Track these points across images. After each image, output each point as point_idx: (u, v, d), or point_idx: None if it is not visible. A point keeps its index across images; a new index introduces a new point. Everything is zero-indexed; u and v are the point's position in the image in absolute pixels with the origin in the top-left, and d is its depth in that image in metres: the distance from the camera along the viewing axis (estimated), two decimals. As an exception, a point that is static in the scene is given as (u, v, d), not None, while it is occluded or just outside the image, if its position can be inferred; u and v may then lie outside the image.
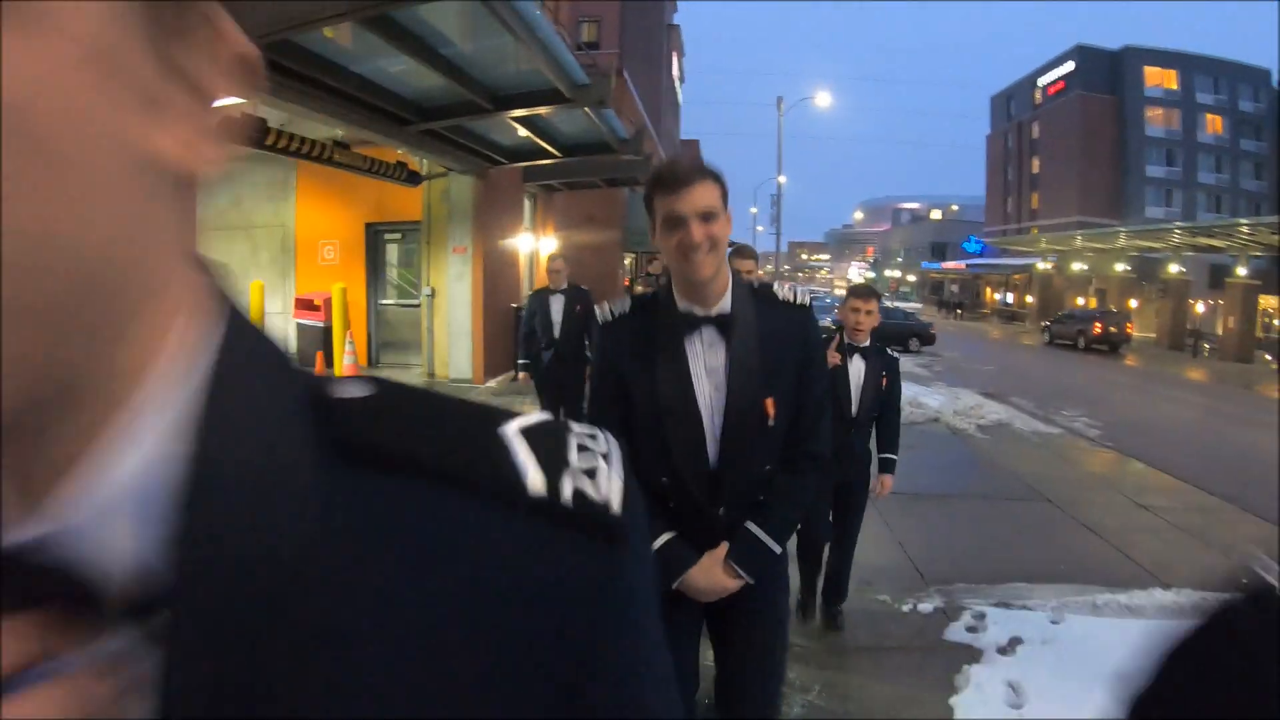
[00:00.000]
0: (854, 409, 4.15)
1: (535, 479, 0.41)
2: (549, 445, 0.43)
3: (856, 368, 4.17)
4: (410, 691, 0.36)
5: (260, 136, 7.66)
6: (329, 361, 10.90)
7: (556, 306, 6.74)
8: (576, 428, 0.47)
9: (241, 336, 0.39)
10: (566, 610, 0.40)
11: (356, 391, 0.43)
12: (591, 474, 0.43)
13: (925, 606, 4.74)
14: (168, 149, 0.34)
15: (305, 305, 12.62)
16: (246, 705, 0.33)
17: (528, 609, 0.39)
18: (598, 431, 0.47)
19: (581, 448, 0.44)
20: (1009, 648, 4.18)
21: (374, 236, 13.64)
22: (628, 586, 0.43)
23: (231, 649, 0.33)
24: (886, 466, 4.37)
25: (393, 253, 13.85)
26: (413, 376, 12.31)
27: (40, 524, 0.32)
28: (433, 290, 12.14)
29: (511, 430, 0.43)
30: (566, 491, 0.42)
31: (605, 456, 0.45)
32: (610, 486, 0.43)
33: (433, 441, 0.41)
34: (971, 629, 4.41)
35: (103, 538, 0.33)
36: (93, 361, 0.33)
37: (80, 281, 0.30)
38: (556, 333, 6.72)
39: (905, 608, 4.75)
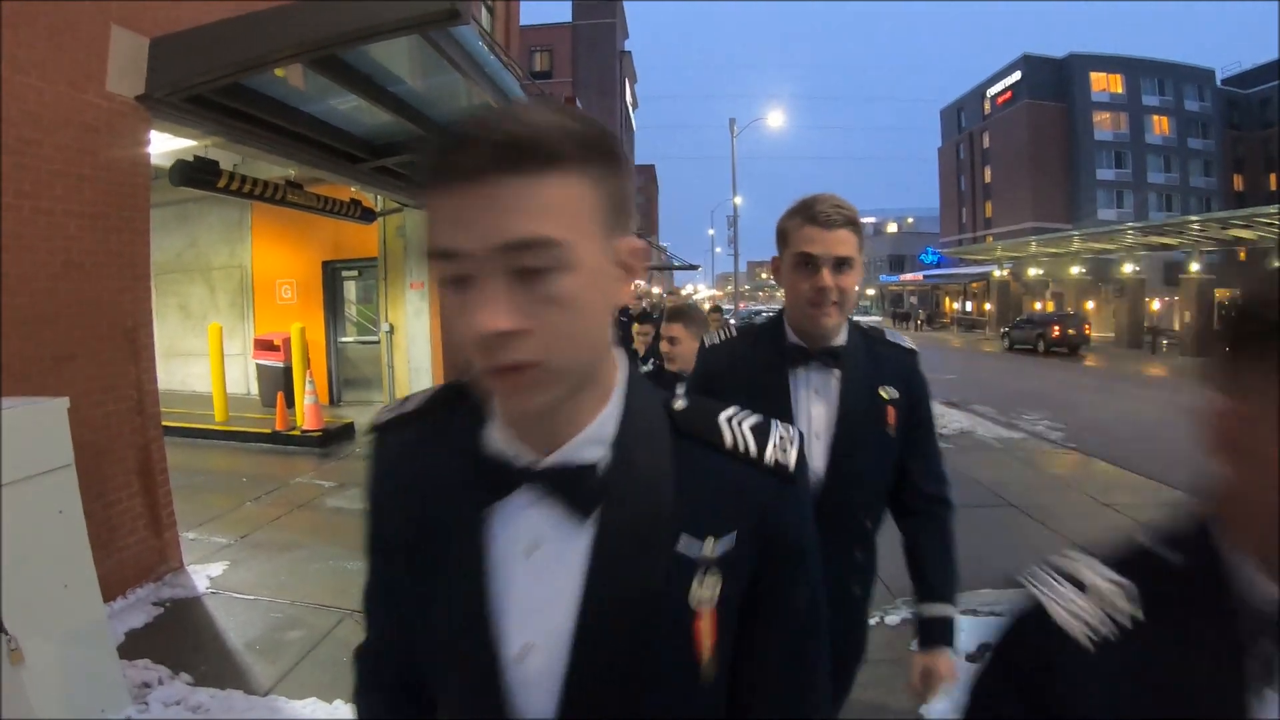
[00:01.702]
0: None
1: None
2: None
3: None
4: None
5: (212, 179, 7.60)
6: (290, 401, 10.78)
7: None
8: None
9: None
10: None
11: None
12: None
13: (893, 619, 4.78)
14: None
15: (265, 346, 12.49)
16: None
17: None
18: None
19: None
20: (978, 654, 4.19)
21: (331, 274, 13.54)
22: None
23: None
24: None
25: (351, 290, 13.75)
26: (374, 413, 12.20)
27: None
28: (391, 326, 12.07)
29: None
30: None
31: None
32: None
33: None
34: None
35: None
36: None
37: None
38: None
39: (873, 620, 4.77)
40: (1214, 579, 0.75)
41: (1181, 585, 0.77)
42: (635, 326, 6.38)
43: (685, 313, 4.41)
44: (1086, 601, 0.78)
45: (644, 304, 25.64)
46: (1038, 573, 0.85)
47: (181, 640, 4.65)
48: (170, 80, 5.44)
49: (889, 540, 2.12)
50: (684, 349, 4.15)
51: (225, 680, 4.14)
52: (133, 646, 4.45)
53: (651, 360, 5.26)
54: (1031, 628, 0.81)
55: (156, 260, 6.15)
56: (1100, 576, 0.80)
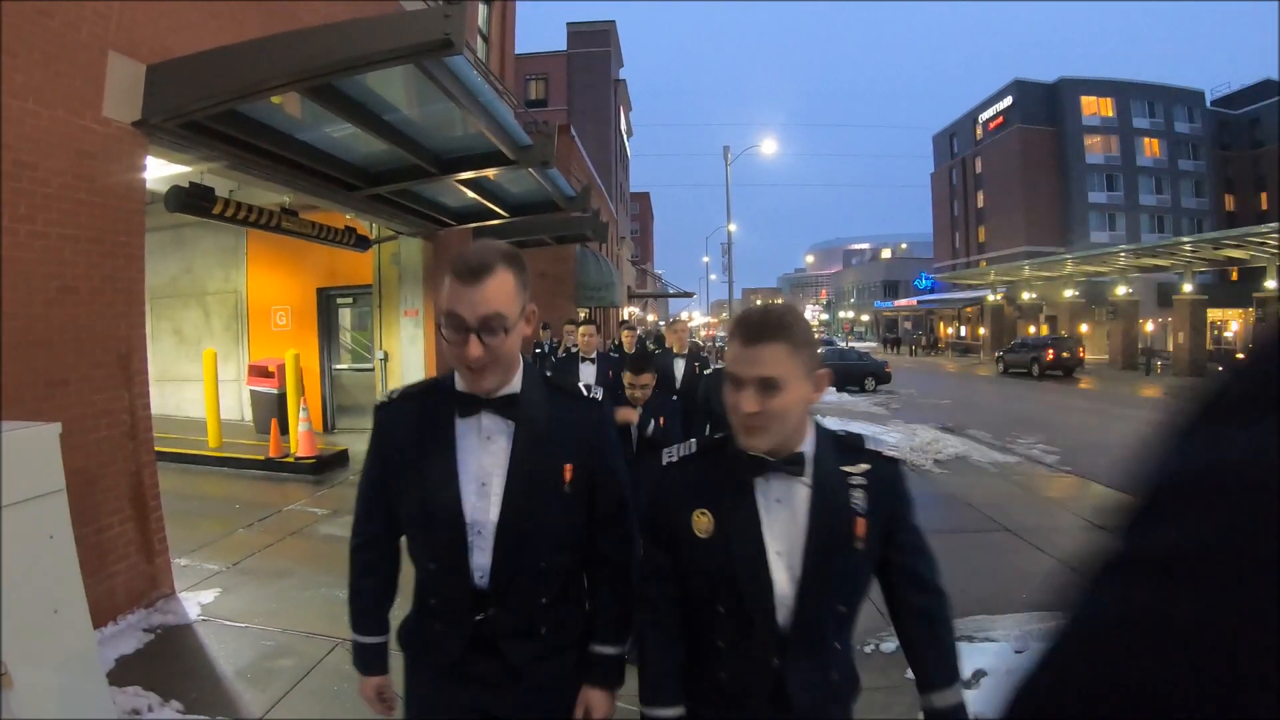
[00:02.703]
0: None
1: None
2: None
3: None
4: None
5: (207, 206, 7.62)
6: (284, 428, 10.76)
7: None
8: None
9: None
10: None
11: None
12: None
13: (888, 646, 4.75)
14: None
15: (259, 372, 12.48)
16: None
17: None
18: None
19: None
20: (973, 680, 4.19)
21: (326, 301, 13.58)
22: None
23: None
24: None
25: (345, 317, 13.78)
26: (367, 441, 12.17)
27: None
28: (386, 354, 12.08)
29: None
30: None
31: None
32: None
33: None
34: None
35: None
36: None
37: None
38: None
39: (868, 649, 4.75)
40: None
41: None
42: (628, 377, 5.20)
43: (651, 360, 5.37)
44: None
45: (638, 332, 25.17)
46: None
47: (172, 667, 4.61)
48: (166, 106, 5.48)
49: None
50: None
51: (216, 708, 4.11)
52: (123, 673, 4.42)
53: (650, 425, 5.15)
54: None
55: (152, 285, 6.17)
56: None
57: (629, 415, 5.10)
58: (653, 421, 5.12)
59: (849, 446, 1.90)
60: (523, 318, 1.88)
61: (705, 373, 7.30)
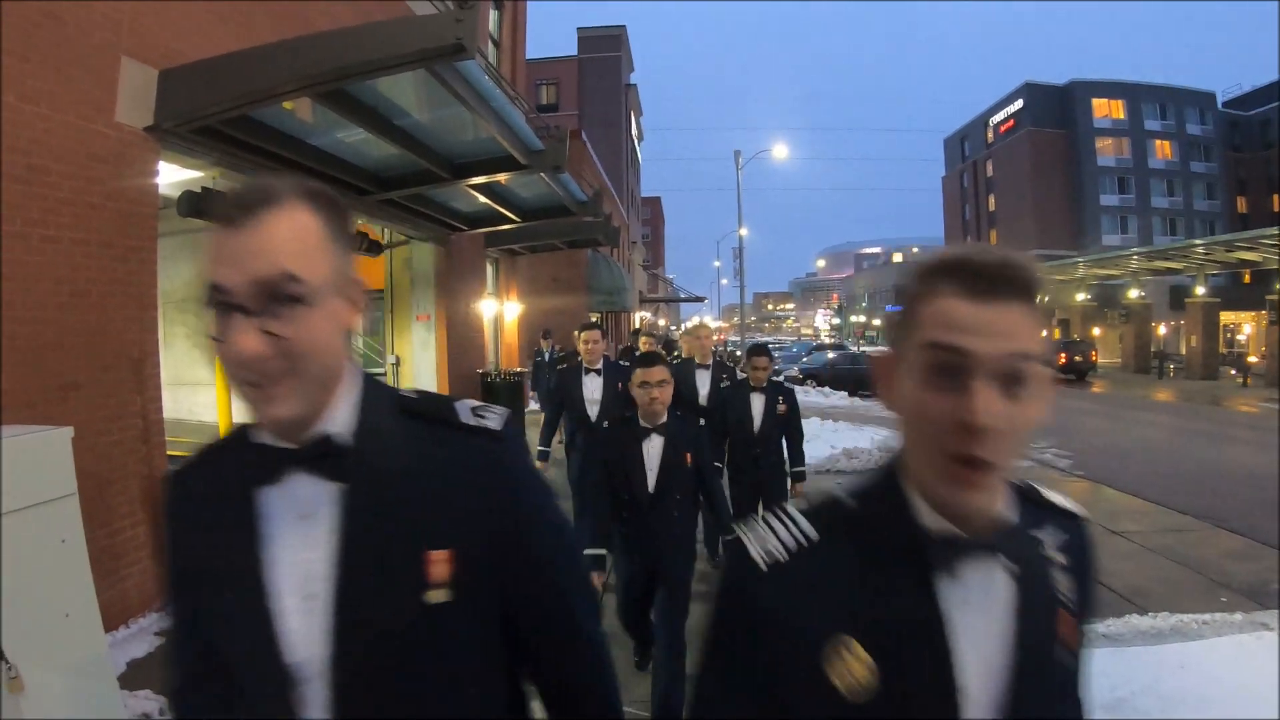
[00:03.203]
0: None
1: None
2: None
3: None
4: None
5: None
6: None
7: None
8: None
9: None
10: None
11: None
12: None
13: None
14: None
15: (271, 378, 12.50)
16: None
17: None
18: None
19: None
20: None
21: (339, 306, 13.55)
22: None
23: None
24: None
25: (357, 321, 13.76)
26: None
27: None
28: (398, 358, 12.11)
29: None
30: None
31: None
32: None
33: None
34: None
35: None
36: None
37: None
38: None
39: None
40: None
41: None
42: (637, 375, 3.99)
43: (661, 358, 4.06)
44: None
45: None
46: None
47: (184, 671, 4.59)
48: (179, 111, 5.51)
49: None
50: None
51: (227, 711, 4.09)
52: (134, 676, 4.42)
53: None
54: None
55: (166, 289, 6.18)
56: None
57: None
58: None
59: (1027, 496, 1.09)
60: (340, 292, 1.07)
61: (723, 385, 6.47)
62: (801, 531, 1.01)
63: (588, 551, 3.82)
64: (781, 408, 5.90)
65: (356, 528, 1.04)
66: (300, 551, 1.04)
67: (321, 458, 1.05)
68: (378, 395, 1.14)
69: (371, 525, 1.04)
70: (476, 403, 1.17)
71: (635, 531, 3.94)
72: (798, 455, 6.03)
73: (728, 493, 5.23)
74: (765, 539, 1.01)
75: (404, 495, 1.06)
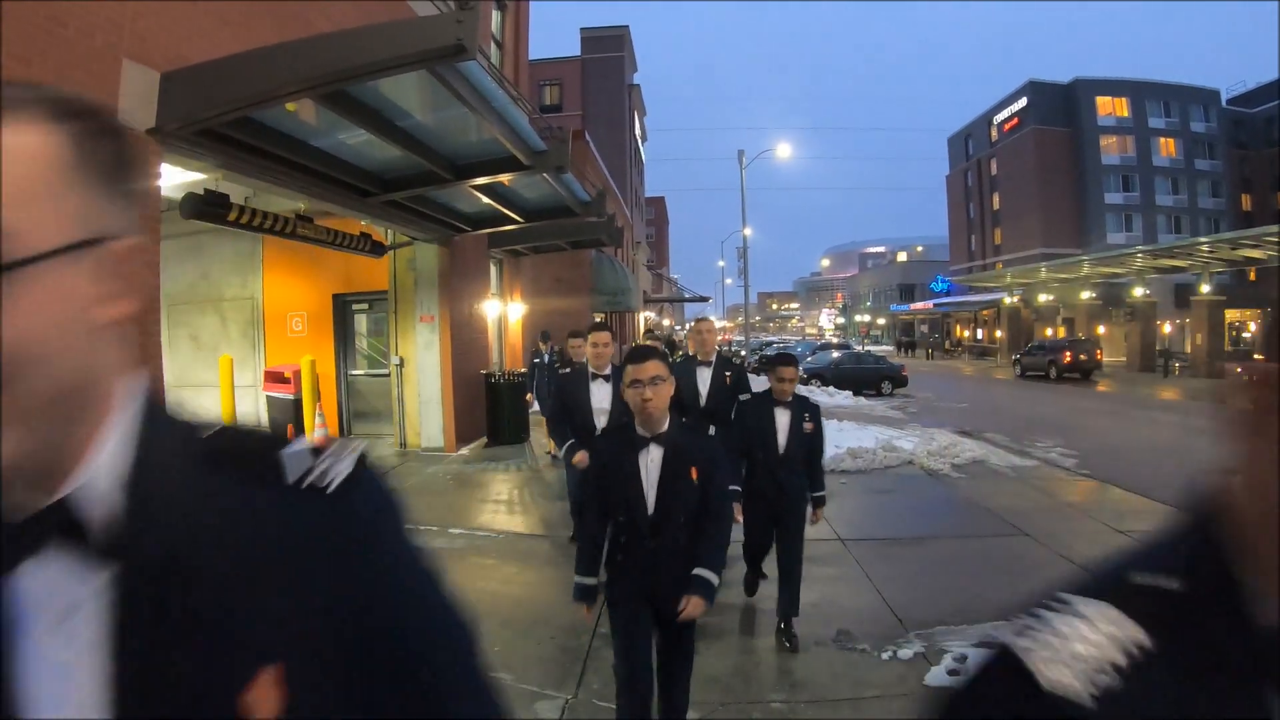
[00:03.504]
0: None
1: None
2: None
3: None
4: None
5: (223, 212, 7.65)
6: (300, 434, 10.73)
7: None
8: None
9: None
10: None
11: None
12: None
13: (905, 653, 4.70)
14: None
15: (275, 378, 12.51)
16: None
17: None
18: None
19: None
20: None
21: (342, 307, 13.61)
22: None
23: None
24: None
25: (361, 323, 13.81)
26: (385, 448, 12.22)
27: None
28: (402, 360, 12.12)
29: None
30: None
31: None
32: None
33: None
34: (953, 671, 4.36)
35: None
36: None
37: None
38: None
39: (885, 655, 4.69)
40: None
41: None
42: (629, 372, 3.38)
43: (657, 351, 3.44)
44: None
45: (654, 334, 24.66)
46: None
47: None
48: (181, 113, 5.51)
49: (890, 574, 2.06)
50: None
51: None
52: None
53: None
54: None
55: (168, 291, 6.19)
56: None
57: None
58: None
59: None
60: (92, 262, 0.66)
61: (743, 397, 5.60)
62: (1119, 633, 0.62)
63: (576, 580, 3.33)
64: (808, 425, 5.18)
65: (135, 636, 0.63)
66: (61, 680, 0.63)
67: (72, 527, 0.65)
68: (163, 432, 0.73)
69: (159, 632, 0.64)
70: (320, 440, 0.79)
71: (634, 563, 3.23)
72: (819, 478, 5.32)
73: (739, 519, 4.90)
74: (1061, 647, 0.62)
75: (208, 582, 0.66)
